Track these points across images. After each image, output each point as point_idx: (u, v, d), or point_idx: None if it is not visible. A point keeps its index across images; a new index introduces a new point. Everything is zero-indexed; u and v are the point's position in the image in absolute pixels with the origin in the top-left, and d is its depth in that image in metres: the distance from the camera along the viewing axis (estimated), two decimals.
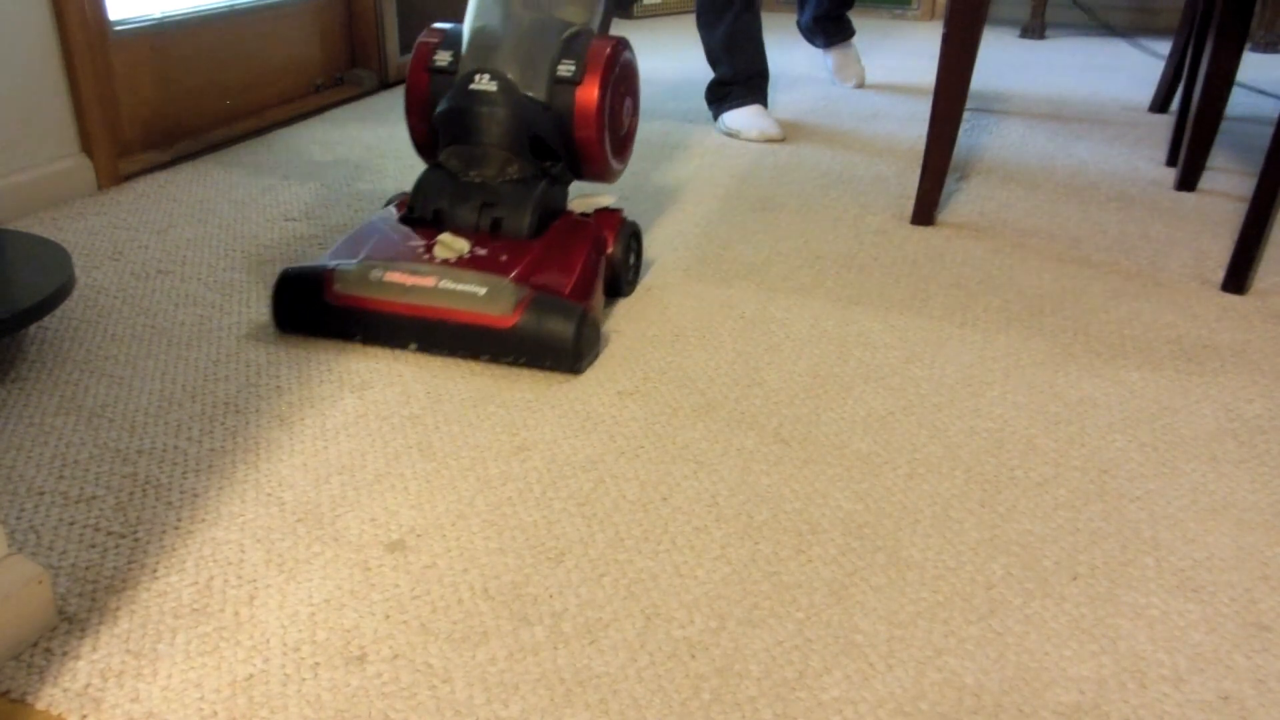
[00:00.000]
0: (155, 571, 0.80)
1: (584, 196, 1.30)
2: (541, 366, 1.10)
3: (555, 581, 0.80)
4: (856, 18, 2.51)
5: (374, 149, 1.93)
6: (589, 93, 1.21)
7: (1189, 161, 1.80)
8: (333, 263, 1.14)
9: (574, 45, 1.23)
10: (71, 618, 0.75)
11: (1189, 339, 1.24)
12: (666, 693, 0.69)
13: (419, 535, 0.85)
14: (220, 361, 1.12)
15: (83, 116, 1.59)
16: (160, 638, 0.73)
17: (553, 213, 1.23)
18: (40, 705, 0.68)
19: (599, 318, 1.19)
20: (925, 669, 0.72)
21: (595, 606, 0.77)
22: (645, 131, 2.10)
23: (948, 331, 1.24)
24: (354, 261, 1.13)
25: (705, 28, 2.07)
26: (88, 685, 0.69)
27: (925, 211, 1.60)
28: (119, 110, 1.70)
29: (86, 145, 1.62)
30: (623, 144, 1.32)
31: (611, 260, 1.24)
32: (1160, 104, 2.37)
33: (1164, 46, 2.55)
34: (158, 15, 1.80)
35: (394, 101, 2.26)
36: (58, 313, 1.22)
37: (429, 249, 1.14)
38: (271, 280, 1.28)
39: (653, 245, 1.49)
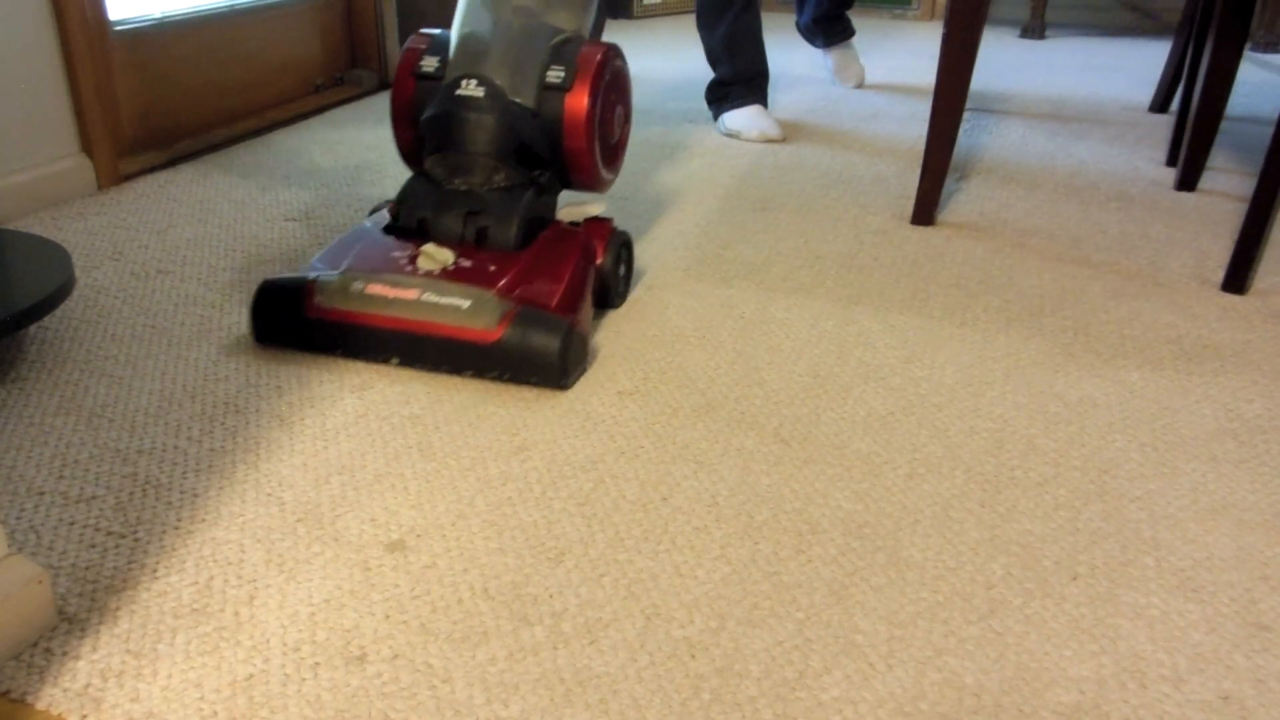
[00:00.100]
0: (155, 571, 0.80)
1: (573, 205, 1.27)
2: (527, 382, 1.07)
3: (555, 581, 0.80)
4: (856, 18, 2.51)
5: (374, 149, 1.93)
6: (578, 100, 1.18)
7: (1189, 161, 1.80)
8: (313, 274, 1.11)
9: (564, 51, 1.20)
10: (71, 618, 0.75)
11: (1189, 339, 1.24)
12: (666, 693, 0.69)
13: (419, 535, 0.85)
14: (220, 361, 1.12)
15: (83, 116, 1.59)
16: (160, 638, 0.73)
17: (540, 222, 1.20)
18: (40, 705, 0.68)
19: (587, 331, 1.16)
20: (925, 669, 0.72)
21: (595, 606, 0.77)
22: (645, 131, 2.10)
23: (948, 331, 1.24)
24: (335, 273, 1.10)
25: (705, 28, 2.07)
26: (88, 685, 0.69)
27: (925, 211, 1.60)
28: (119, 110, 1.70)
29: (86, 145, 1.62)
30: (614, 153, 1.30)
31: (601, 271, 1.21)
32: (1160, 104, 2.37)
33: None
34: (158, 15, 1.80)
35: None
36: (58, 313, 1.22)
37: (412, 260, 1.11)
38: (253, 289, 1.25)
39: (653, 245, 1.49)
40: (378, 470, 0.93)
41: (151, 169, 1.75)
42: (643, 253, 1.46)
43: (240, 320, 1.22)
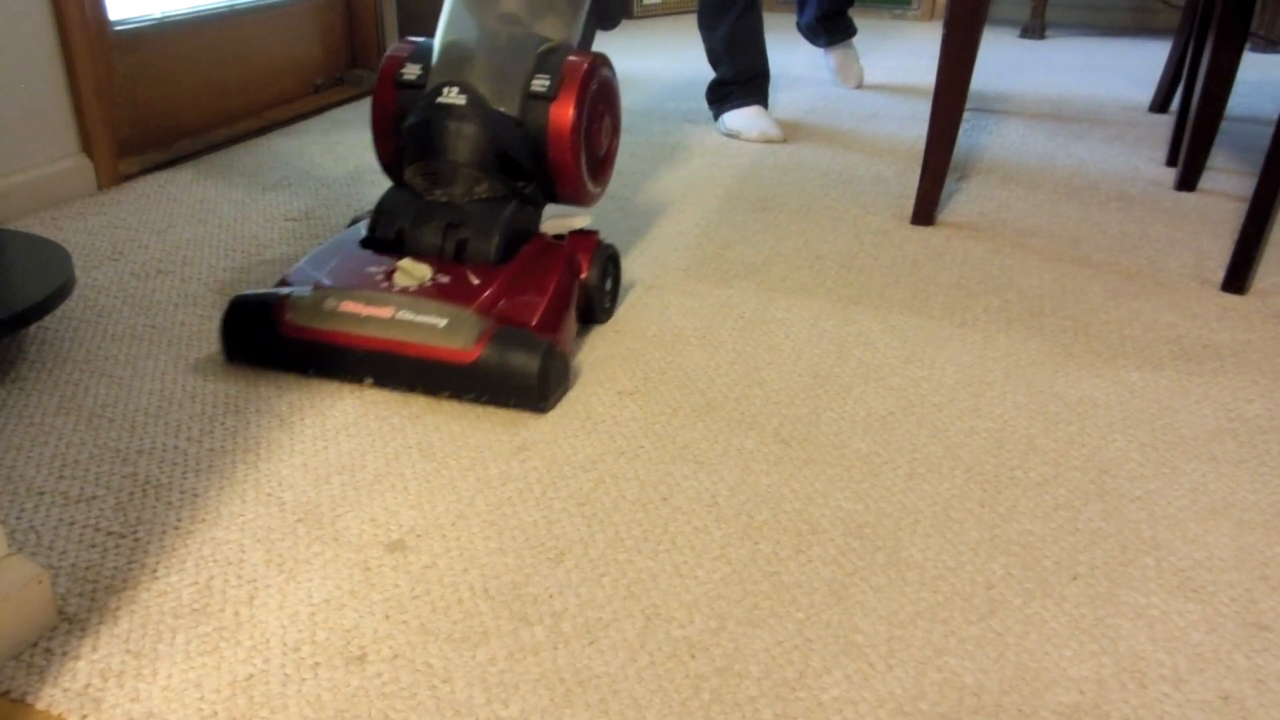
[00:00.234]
0: (155, 571, 0.80)
1: (558, 218, 1.23)
2: (505, 404, 1.03)
3: (555, 581, 0.80)
4: (856, 18, 2.51)
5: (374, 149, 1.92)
6: (564, 110, 1.14)
7: (1189, 161, 1.80)
8: (285, 290, 1.07)
9: (549, 60, 1.16)
10: (71, 618, 0.75)
11: (1189, 339, 1.24)
12: (666, 693, 0.69)
13: (419, 535, 0.85)
14: (220, 361, 1.12)
15: (83, 116, 1.60)
16: (160, 638, 0.73)
17: (523, 235, 1.16)
18: (40, 705, 0.68)
19: (569, 351, 1.12)
20: (925, 669, 0.72)
21: (595, 606, 0.77)
22: (645, 132, 2.10)
23: (948, 331, 1.24)
24: (307, 290, 1.06)
25: (707, 28, 2.07)
26: (88, 685, 0.69)
27: (925, 211, 1.60)
28: (119, 110, 1.70)
29: (86, 145, 1.62)
30: (601, 166, 1.26)
31: (586, 286, 1.18)
32: (1160, 104, 2.37)
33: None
34: (158, 15, 1.80)
35: None
36: (58, 313, 1.22)
37: (389, 276, 1.08)
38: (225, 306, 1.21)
39: (653, 245, 1.49)
40: (378, 470, 0.93)
41: (151, 169, 1.75)
42: (643, 253, 1.46)
43: None
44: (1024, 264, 1.46)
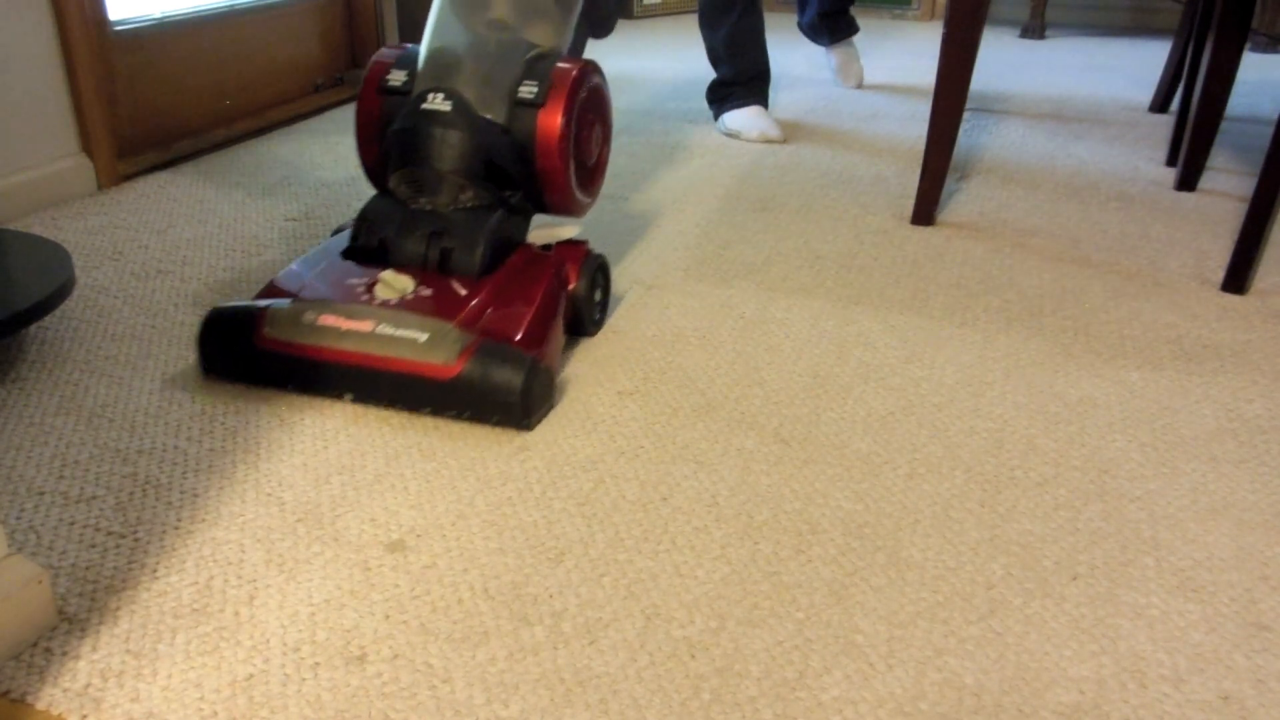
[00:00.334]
0: (155, 571, 0.80)
1: (545, 227, 1.20)
2: (488, 422, 1.00)
3: (555, 581, 0.80)
4: (856, 18, 2.51)
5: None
6: (552, 117, 1.12)
7: (1189, 161, 1.80)
8: (263, 302, 1.04)
9: (538, 66, 1.14)
10: (71, 618, 0.75)
11: (1189, 339, 1.24)
12: (666, 693, 0.69)
13: (419, 535, 0.85)
14: None
15: (83, 116, 1.60)
16: (160, 638, 0.73)
17: (509, 245, 1.13)
18: (40, 705, 0.68)
19: (555, 366, 1.09)
20: (925, 669, 0.72)
21: (595, 606, 0.77)
22: (645, 131, 2.10)
23: (948, 331, 1.24)
24: (286, 302, 1.04)
25: (707, 28, 2.07)
26: (88, 685, 0.69)
27: (925, 211, 1.60)
28: (119, 110, 1.70)
29: (86, 145, 1.62)
30: (591, 175, 1.23)
31: (574, 297, 1.15)
32: (1160, 104, 2.37)
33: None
34: (158, 15, 1.80)
35: None
36: (58, 313, 1.22)
37: (370, 288, 1.05)
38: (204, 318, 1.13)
39: (653, 245, 1.49)
40: (378, 470, 0.93)
41: (151, 169, 1.75)
42: (642, 252, 1.46)
43: None
44: (1024, 264, 1.46)
